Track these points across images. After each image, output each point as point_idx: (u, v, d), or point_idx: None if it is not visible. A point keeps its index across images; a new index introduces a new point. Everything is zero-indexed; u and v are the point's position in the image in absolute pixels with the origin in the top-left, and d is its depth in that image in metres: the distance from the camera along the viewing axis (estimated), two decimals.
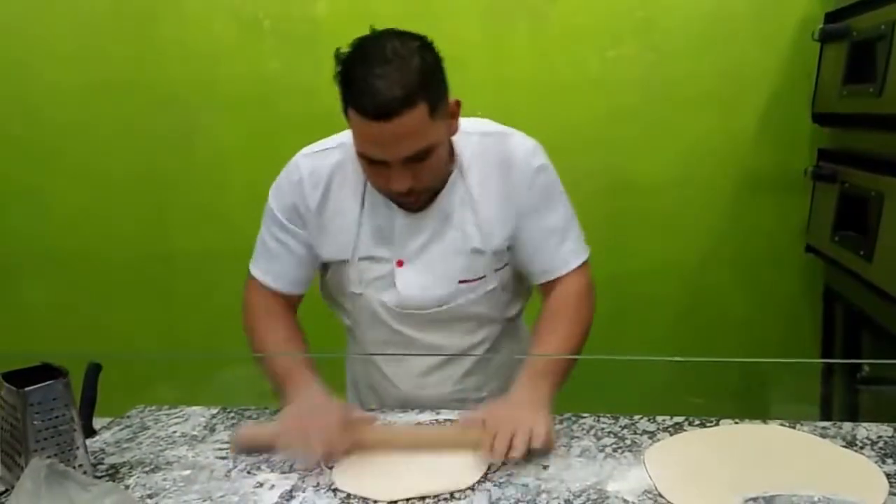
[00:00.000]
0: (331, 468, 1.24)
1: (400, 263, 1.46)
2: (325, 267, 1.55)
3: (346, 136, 1.42)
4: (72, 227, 2.71)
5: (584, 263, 1.50)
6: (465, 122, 1.44)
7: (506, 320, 1.56)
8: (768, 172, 2.40)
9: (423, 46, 1.31)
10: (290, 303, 1.55)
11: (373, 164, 1.33)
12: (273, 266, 1.53)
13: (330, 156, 1.47)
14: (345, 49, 1.32)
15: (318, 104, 2.52)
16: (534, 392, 1.34)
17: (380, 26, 2.64)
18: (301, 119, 2.54)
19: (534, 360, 1.41)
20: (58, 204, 2.70)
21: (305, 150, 1.52)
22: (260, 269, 1.55)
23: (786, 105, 2.35)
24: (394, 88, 1.23)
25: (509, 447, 1.21)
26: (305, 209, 1.48)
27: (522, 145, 1.46)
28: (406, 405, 1.51)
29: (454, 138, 1.42)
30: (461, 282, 1.46)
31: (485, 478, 1.19)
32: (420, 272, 1.45)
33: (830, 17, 2.12)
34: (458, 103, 1.36)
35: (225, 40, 2.54)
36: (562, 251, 1.47)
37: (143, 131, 2.62)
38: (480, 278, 1.47)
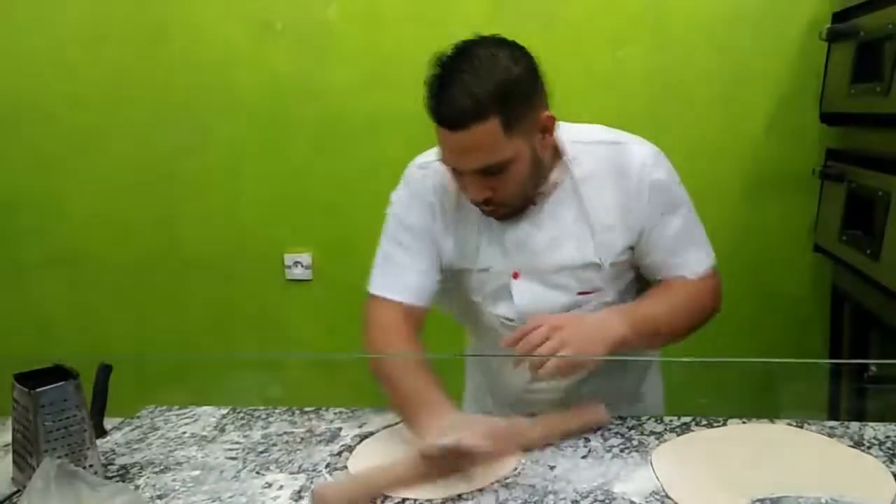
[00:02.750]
0: None
1: (516, 275, 1.43)
2: (446, 273, 1.50)
3: None
4: (84, 230, 2.73)
5: (710, 271, 1.44)
6: (581, 131, 1.42)
7: None
8: (776, 172, 2.39)
9: (514, 57, 1.27)
10: (414, 319, 1.43)
11: (453, 170, 1.32)
12: (397, 279, 1.44)
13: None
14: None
15: (331, 108, 2.55)
16: (611, 314, 1.34)
17: (391, 30, 2.67)
18: (314, 123, 2.56)
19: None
20: (71, 207, 2.72)
21: (414, 165, 1.49)
22: (381, 286, 1.45)
23: (793, 105, 2.34)
24: (465, 98, 1.21)
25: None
26: (436, 215, 1.45)
27: (639, 155, 1.39)
28: (517, 408, 1.48)
29: (569, 147, 1.39)
30: (579, 293, 1.42)
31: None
32: (536, 284, 1.42)
33: (837, 17, 2.11)
34: (550, 118, 1.32)
35: (237, 44, 2.55)
36: (685, 260, 1.42)
37: (155, 135, 2.63)
38: (597, 290, 1.42)
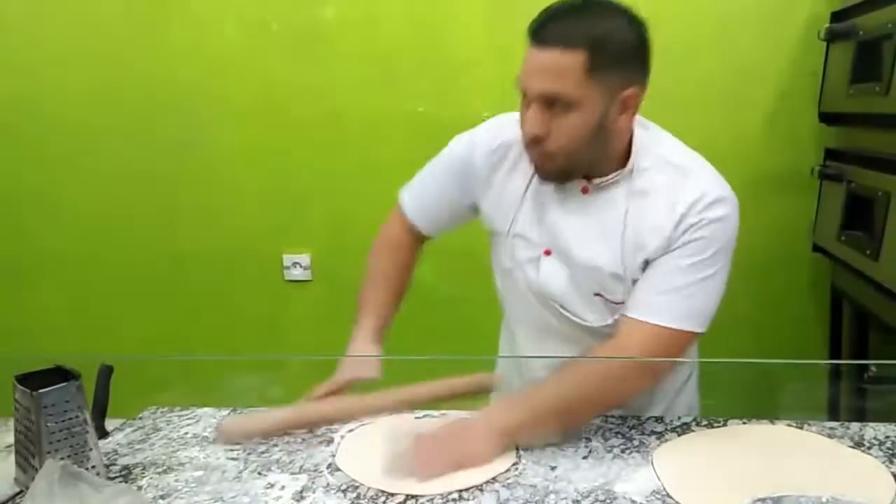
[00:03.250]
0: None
1: (548, 252, 1.42)
2: (488, 231, 1.55)
3: None
4: (83, 229, 2.73)
5: (668, 332, 1.30)
6: (666, 146, 1.39)
7: None
8: (775, 172, 2.40)
9: (630, 24, 1.30)
10: (416, 235, 1.61)
11: (523, 101, 1.31)
12: (422, 201, 1.59)
13: (517, 127, 1.36)
14: None
15: (326, 106, 2.56)
16: (499, 416, 1.32)
17: (387, 29, 2.66)
18: (309, 121, 2.56)
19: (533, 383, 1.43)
20: (69, 207, 2.72)
21: (496, 118, 1.51)
22: (409, 197, 1.60)
23: (792, 104, 2.35)
24: (567, 25, 1.24)
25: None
26: (475, 172, 1.49)
27: (699, 191, 1.32)
28: None
29: (643, 156, 1.35)
30: (596, 294, 1.39)
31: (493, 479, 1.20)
32: (563, 268, 1.41)
33: (836, 17, 2.12)
34: (635, 97, 1.31)
35: (233, 43, 2.56)
36: (658, 299, 1.31)
37: (152, 134, 2.63)
38: (618, 303, 1.37)
